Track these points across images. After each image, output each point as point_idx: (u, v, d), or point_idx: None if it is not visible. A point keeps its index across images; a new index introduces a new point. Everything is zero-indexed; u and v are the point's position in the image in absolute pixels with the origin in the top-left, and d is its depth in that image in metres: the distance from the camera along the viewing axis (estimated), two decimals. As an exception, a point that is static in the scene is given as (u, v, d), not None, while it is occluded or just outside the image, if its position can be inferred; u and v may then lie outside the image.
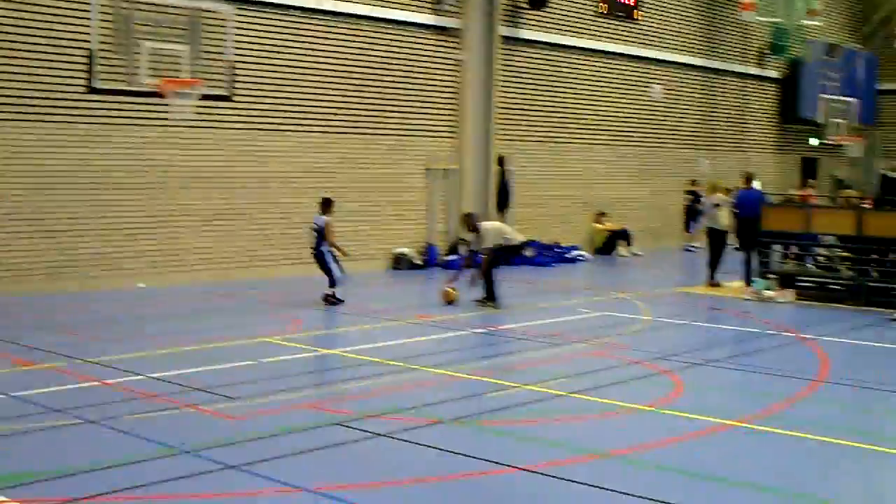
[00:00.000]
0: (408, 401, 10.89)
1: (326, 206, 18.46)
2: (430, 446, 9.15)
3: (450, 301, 18.27)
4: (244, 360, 12.88)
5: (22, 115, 18.87)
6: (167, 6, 18.87)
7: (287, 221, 22.51)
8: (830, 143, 33.41)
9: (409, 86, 24.93)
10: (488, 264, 18.17)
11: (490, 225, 18.96)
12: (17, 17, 18.78)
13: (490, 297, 18.19)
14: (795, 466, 8.88)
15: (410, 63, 24.93)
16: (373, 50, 24.09)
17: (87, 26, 17.86)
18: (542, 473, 8.36)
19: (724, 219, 22.15)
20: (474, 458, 8.76)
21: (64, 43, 19.19)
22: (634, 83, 31.31)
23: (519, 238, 19.11)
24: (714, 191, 22.78)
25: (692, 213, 31.39)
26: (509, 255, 19.05)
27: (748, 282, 20.78)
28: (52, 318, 16.33)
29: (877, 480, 8.62)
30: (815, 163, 38.91)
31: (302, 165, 22.83)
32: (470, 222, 18.74)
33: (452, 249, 25.32)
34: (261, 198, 22.15)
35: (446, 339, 14.98)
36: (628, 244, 29.62)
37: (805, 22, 34.31)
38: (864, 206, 22.33)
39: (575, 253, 27.58)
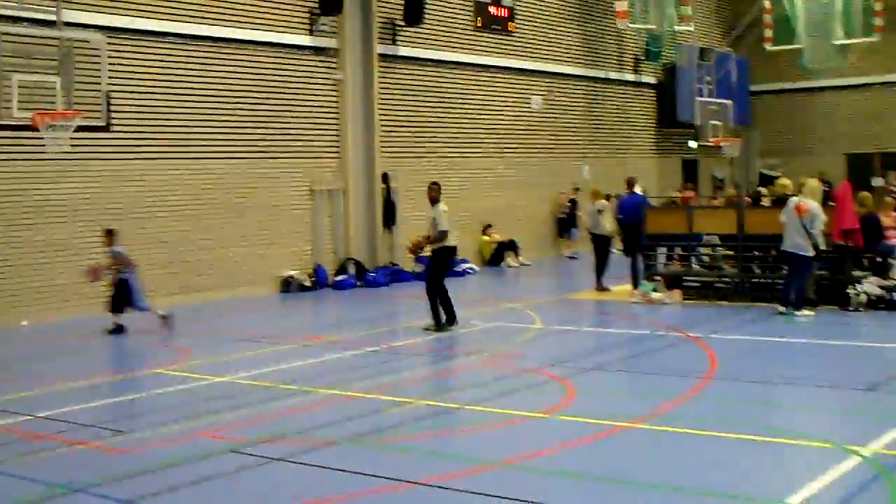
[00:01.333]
0: (303, 423, 10.84)
1: (111, 235, 18.30)
2: (327, 468, 9.13)
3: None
4: (134, 393, 12.70)
5: None
6: (37, 37, 18.59)
7: (171, 250, 22.25)
8: (708, 144, 34.11)
9: (290, 108, 24.83)
10: (434, 277, 17.34)
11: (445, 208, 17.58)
12: None
13: (449, 318, 17.34)
14: (686, 463, 9.06)
15: (290, 85, 24.84)
16: (251, 73, 23.96)
17: (-46, 61, 17.33)
18: (442, 487, 8.40)
19: (608, 224, 22.46)
20: (373, 476, 8.76)
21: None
22: (514, 94, 31.62)
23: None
24: (596, 197, 23.09)
25: (567, 220, 32.19)
26: (450, 257, 18.01)
27: (635, 285, 21.12)
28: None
29: (765, 471, 8.82)
30: (696, 165, 39.72)
31: (184, 192, 22.58)
32: (433, 192, 17.57)
33: (341, 269, 25.28)
34: (143, 228, 21.84)
35: (338, 359, 14.94)
36: (516, 255, 29.89)
37: (677, 28, 35.08)
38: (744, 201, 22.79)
39: (464, 266, 27.73)
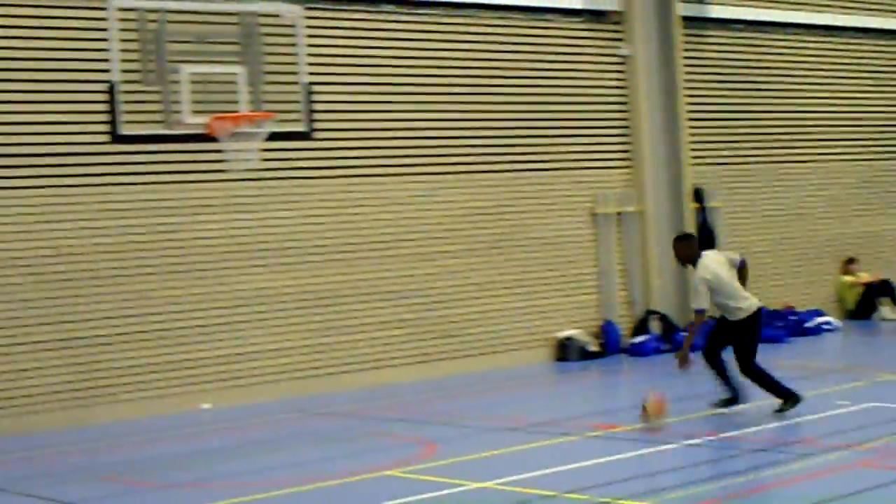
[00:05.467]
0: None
1: None
2: None
3: (653, 419, 16.74)
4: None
5: (22, 178, 19.31)
6: (211, 14, 19.26)
7: (402, 305, 22.71)
8: None
9: (558, 98, 25.01)
10: (710, 342, 17.35)
11: (716, 259, 16.88)
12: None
13: (731, 394, 17.49)
14: None
15: (558, 66, 25.03)
16: (501, 53, 24.30)
17: (105, 50, 17.48)
18: None
19: None
20: None
21: (77, 76, 19.67)
22: (889, 68, 30.95)
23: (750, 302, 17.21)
24: None
25: None
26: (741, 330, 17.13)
27: None
28: (87, 459, 16.73)
29: None
30: None
31: (417, 223, 23.06)
32: (689, 250, 17.00)
33: (641, 327, 25.23)
34: (359, 273, 22.20)
35: (644, 457, 14.92)
36: (895, 302, 29.27)
37: None
38: None
39: (817, 320, 27.36)
